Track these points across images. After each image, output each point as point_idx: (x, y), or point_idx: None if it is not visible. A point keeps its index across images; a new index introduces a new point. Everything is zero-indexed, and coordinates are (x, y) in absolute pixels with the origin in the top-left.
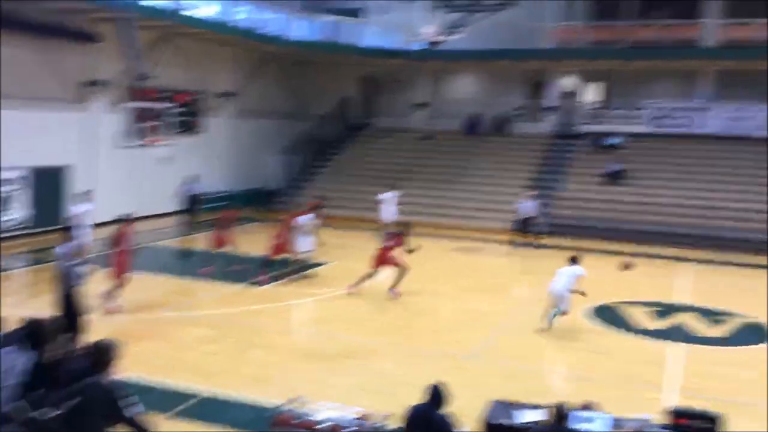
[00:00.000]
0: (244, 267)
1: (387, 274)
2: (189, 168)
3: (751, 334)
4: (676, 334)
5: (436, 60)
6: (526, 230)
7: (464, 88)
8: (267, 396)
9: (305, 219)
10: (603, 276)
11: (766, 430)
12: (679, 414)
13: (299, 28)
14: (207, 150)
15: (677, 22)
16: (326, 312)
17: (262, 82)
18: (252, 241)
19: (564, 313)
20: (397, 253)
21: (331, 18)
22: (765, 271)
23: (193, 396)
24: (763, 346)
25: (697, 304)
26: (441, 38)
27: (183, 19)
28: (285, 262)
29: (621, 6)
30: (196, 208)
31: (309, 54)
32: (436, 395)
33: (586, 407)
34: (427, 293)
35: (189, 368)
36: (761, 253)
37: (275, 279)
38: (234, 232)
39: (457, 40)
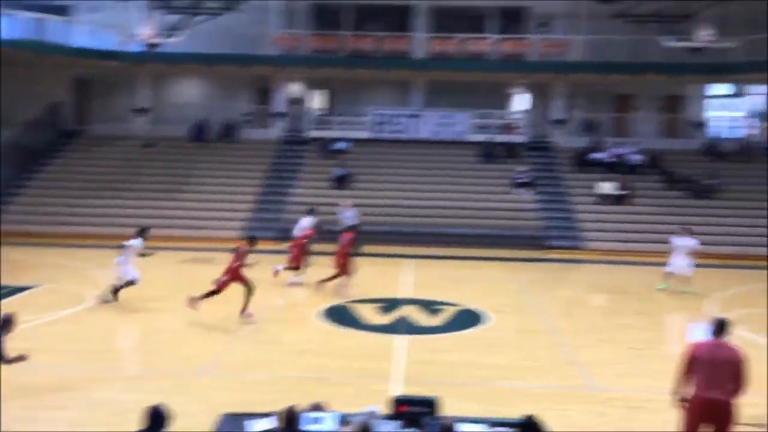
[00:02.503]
0: None
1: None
2: None
3: (464, 320)
4: (400, 327)
5: (154, 63)
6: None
7: (188, 93)
8: None
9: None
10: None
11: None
12: (399, 402)
13: None
14: None
15: (391, 34)
16: (33, 342)
17: None
18: None
19: None
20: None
21: (35, 15)
22: (474, 261)
23: None
24: (473, 330)
25: (419, 297)
26: (158, 40)
27: None
28: None
29: (340, 16)
30: None
31: (7, 53)
32: (155, 417)
33: (315, 408)
34: (152, 310)
35: None
36: (472, 246)
37: None
38: None
39: (178, 43)
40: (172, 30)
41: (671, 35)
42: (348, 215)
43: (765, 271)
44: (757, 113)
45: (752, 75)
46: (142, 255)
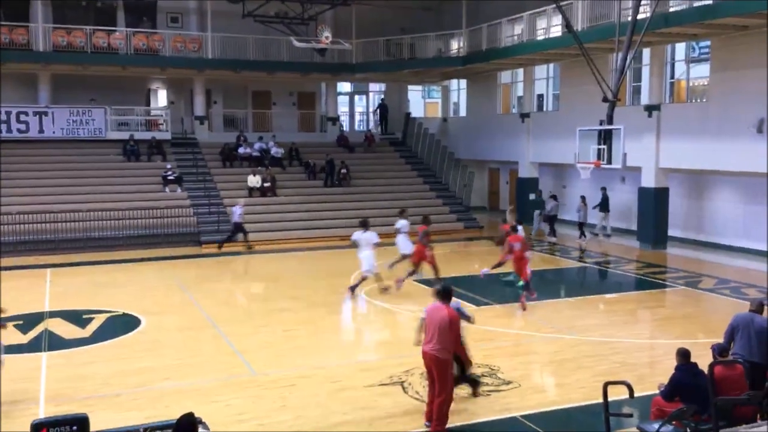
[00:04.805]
0: None
1: None
2: None
3: (117, 326)
4: (44, 343)
5: None
6: (234, 237)
7: None
8: None
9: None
10: None
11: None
12: (38, 427)
13: None
14: None
15: (6, 24)
16: None
17: None
18: None
19: None
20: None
21: None
22: (127, 264)
23: None
24: (128, 335)
25: (65, 307)
26: None
27: None
28: None
29: None
30: None
31: None
32: None
33: None
34: None
35: None
36: (123, 248)
37: None
38: None
39: None
40: None
41: (297, 36)
42: (237, 212)
43: (394, 247)
44: (376, 108)
45: (370, 74)
46: None
